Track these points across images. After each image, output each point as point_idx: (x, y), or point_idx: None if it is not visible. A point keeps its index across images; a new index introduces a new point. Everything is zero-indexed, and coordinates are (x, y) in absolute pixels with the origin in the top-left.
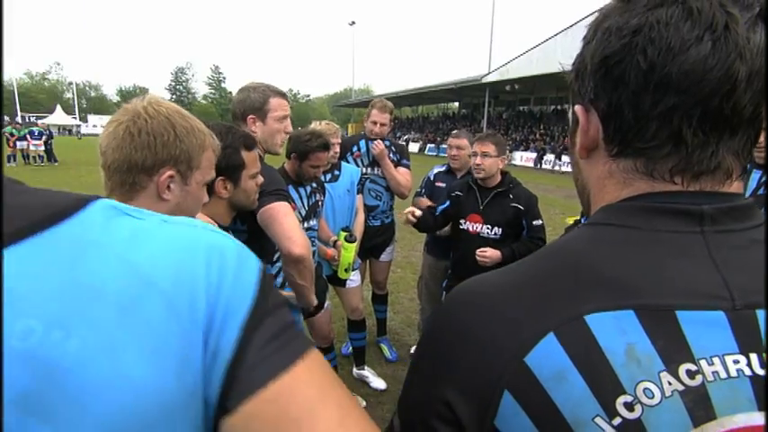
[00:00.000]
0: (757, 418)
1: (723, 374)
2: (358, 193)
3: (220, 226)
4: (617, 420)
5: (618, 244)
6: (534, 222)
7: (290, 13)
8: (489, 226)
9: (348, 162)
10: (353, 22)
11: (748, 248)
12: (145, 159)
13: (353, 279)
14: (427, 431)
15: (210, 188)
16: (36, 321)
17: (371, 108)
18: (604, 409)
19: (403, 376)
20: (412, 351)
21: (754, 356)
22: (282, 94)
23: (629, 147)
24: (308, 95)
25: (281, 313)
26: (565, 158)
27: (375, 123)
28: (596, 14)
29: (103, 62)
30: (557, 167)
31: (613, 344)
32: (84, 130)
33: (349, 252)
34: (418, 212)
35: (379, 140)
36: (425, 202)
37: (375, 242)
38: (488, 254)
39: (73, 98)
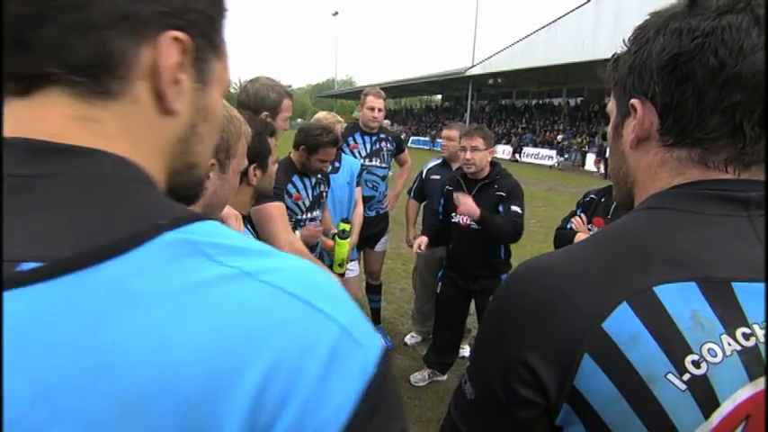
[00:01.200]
0: None
1: None
2: (357, 186)
3: (243, 216)
4: (686, 376)
5: (677, 225)
6: (512, 207)
7: (272, 2)
8: None
9: (344, 153)
10: (336, 13)
11: None
12: None
13: (352, 269)
14: (509, 394)
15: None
16: (23, 387)
17: (366, 96)
18: (675, 366)
19: (398, 363)
20: (406, 339)
21: None
22: (291, 95)
23: (687, 137)
24: (290, 85)
25: None
26: (544, 152)
27: (373, 109)
28: (651, 17)
29: None
30: (537, 160)
31: (680, 310)
32: None
33: (342, 248)
34: (424, 244)
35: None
36: (414, 205)
37: (371, 232)
38: (468, 203)
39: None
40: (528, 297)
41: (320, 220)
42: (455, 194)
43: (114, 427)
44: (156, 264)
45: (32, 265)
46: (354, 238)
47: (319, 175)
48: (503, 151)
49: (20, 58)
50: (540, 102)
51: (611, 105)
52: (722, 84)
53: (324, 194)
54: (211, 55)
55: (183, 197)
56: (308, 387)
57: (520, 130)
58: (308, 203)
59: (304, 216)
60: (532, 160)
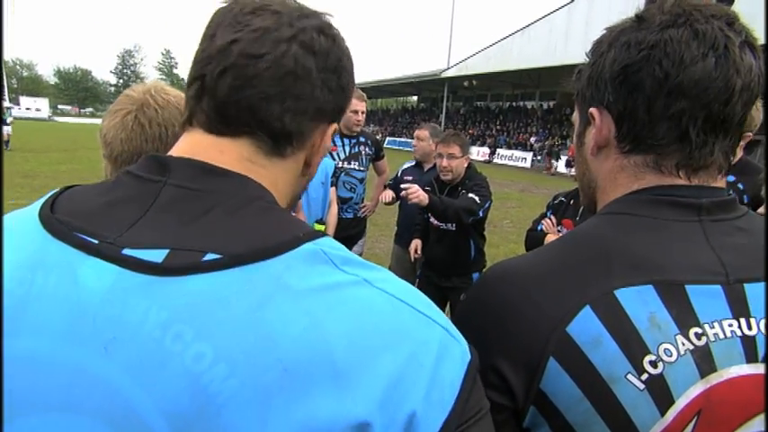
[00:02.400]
0: (746, 369)
1: (721, 335)
2: (332, 186)
3: None
4: (645, 376)
5: (636, 230)
6: (469, 195)
7: None
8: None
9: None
10: None
11: (734, 234)
12: (156, 151)
13: None
14: None
15: None
16: (209, 348)
17: None
18: (634, 366)
19: None
20: None
21: (743, 321)
22: None
23: (641, 144)
24: None
25: (483, 425)
26: (519, 154)
27: (356, 112)
28: (606, 32)
29: (38, 39)
30: (511, 162)
31: (638, 313)
32: (15, 113)
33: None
34: (419, 247)
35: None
36: (389, 194)
37: (348, 233)
38: (415, 189)
39: (1, 76)
40: (494, 304)
41: None
42: (402, 187)
43: (277, 385)
44: (300, 266)
45: (214, 256)
46: (332, 223)
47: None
48: (477, 153)
49: (244, 117)
50: (514, 104)
51: (575, 115)
52: (668, 93)
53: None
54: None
55: None
56: (429, 372)
57: (494, 131)
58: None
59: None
60: (506, 162)
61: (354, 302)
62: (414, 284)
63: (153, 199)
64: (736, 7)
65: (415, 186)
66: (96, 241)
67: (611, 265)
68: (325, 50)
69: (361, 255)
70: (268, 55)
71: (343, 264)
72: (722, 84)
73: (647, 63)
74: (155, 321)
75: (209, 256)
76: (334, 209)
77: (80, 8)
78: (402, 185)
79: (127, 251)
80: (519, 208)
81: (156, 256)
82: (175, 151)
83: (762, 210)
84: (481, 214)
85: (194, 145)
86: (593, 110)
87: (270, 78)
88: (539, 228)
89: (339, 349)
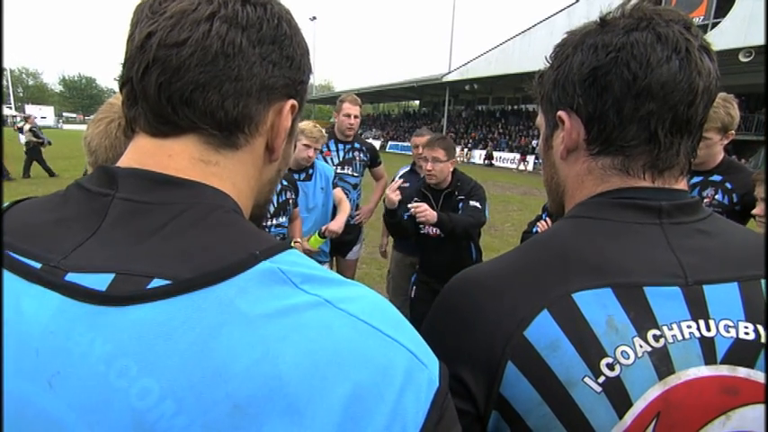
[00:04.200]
0: (704, 371)
1: (680, 337)
2: (334, 188)
3: None
4: (601, 378)
5: (595, 233)
6: (471, 203)
7: None
8: None
9: (317, 159)
10: (314, 18)
11: (694, 237)
12: None
13: None
14: None
15: None
16: (155, 383)
17: (342, 103)
18: (591, 369)
19: None
20: None
21: (701, 322)
22: None
23: (611, 146)
24: None
25: None
26: (520, 157)
27: (349, 116)
28: (568, 36)
29: (43, 47)
30: (513, 165)
31: (596, 316)
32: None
33: (315, 243)
34: (398, 182)
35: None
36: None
37: (343, 239)
38: (423, 209)
39: (7, 86)
40: (455, 310)
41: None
42: (410, 207)
43: (227, 422)
44: (254, 289)
45: (161, 282)
46: (342, 217)
47: (284, 182)
48: (479, 156)
49: (182, 113)
50: (516, 107)
51: (540, 119)
52: (636, 95)
53: (290, 201)
54: (297, 114)
55: (255, 221)
56: (390, 403)
57: (496, 135)
58: (272, 209)
59: (268, 222)
60: (508, 165)
61: (311, 328)
62: (410, 289)
63: (102, 215)
64: (740, 8)
65: (424, 205)
66: (39, 265)
67: (568, 268)
68: (254, 21)
69: (356, 261)
70: (189, 39)
71: (304, 282)
72: (686, 86)
73: (616, 65)
74: (99, 354)
75: (156, 283)
76: (346, 204)
77: (84, 16)
78: (410, 206)
79: (71, 276)
80: (520, 211)
81: (101, 282)
82: (123, 161)
83: (755, 210)
84: (487, 218)
85: (140, 152)
86: (561, 113)
87: (197, 65)
88: (534, 230)
89: (292, 381)
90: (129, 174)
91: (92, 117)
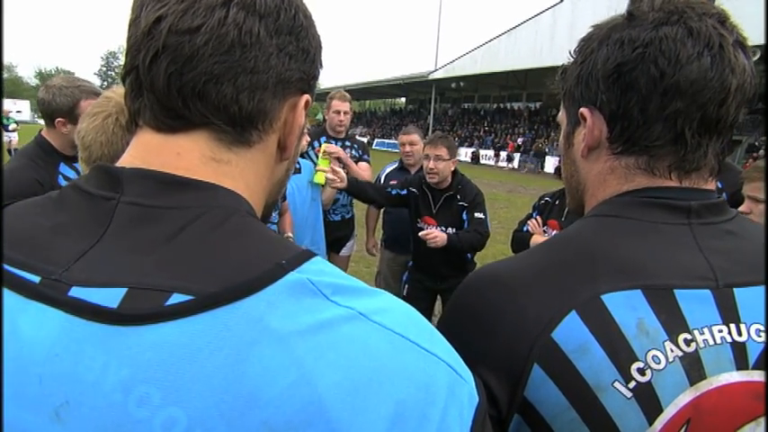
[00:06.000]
0: (736, 377)
1: (711, 342)
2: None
3: None
4: (632, 384)
5: (624, 233)
6: (476, 215)
7: None
8: (443, 227)
9: (309, 156)
10: None
11: (723, 238)
12: None
13: None
14: None
15: None
16: (181, 413)
17: (331, 100)
18: (621, 374)
19: None
20: None
21: (733, 326)
22: (96, 93)
23: (635, 145)
24: None
25: None
26: (505, 155)
27: (338, 113)
28: (594, 30)
29: (17, 39)
30: (500, 163)
31: (626, 319)
32: None
33: (321, 177)
34: (342, 174)
35: (332, 145)
36: (374, 212)
37: (336, 236)
38: (434, 235)
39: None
40: (477, 309)
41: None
42: (420, 234)
43: None
44: (284, 303)
45: (181, 297)
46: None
47: None
48: (465, 154)
49: (194, 107)
50: (501, 106)
51: (562, 115)
52: (663, 92)
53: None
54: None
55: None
56: (435, 423)
57: (482, 133)
58: None
59: None
60: (493, 162)
61: (348, 344)
62: (401, 288)
63: (106, 221)
64: (732, 5)
65: (435, 231)
66: (37, 279)
67: (596, 268)
68: (272, 10)
69: (349, 257)
70: (203, 26)
71: (335, 293)
72: (718, 84)
73: (642, 61)
74: (114, 381)
75: (176, 298)
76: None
77: (61, 8)
78: (420, 234)
79: (75, 292)
80: (507, 209)
81: (111, 297)
82: (125, 159)
83: (742, 208)
84: (489, 228)
85: (145, 149)
86: (584, 110)
87: (212, 54)
88: (524, 228)
89: (332, 403)
90: (134, 174)
91: None
